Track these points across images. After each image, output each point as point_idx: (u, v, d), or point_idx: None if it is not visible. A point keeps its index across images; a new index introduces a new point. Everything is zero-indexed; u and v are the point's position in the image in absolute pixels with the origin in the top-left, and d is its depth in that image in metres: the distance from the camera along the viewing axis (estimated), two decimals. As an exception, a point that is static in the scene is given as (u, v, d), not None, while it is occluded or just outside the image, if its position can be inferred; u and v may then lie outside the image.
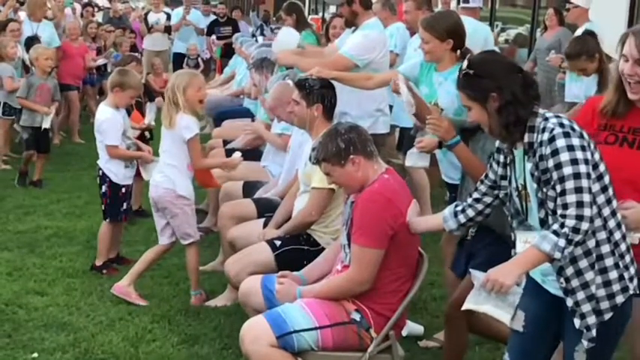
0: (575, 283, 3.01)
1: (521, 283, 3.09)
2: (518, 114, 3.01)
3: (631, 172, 3.15)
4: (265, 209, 5.24)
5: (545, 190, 2.97)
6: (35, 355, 4.51)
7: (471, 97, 3.10)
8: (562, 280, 3.04)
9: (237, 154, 5.47)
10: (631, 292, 3.02)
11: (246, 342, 3.51)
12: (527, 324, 3.19)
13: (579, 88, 6.66)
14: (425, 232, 3.64)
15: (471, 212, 3.38)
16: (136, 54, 13.16)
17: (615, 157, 3.17)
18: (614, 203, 3.00)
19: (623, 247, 3.01)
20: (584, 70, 5.82)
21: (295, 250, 4.50)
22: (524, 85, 3.04)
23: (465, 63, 3.13)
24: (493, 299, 3.02)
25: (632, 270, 3.03)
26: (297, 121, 4.80)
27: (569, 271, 3.00)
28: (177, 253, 6.31)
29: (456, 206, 3.43)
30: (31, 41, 9.87)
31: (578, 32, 8.47)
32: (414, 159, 4.47)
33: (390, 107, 6.15)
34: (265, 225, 4.93)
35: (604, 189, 2.97)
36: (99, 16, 17.21)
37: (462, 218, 3.39)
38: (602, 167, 2.97)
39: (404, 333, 3.93)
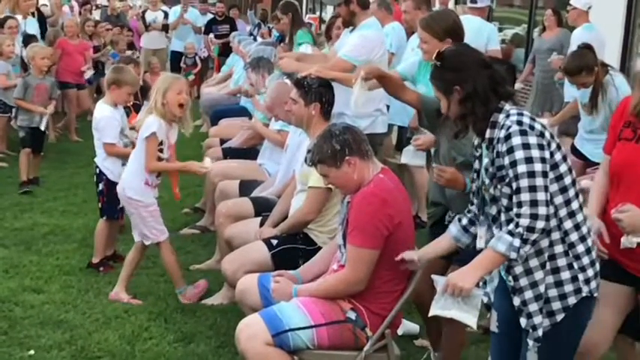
0: (523, 282, 3.03)
1: (491, 283, 3.16)
2: (474, 109, 3.04)
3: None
4: (262, 208, 5.25)
5: (499, 187, 3.00)
6: (31, 352, 4.52)
7: (439, 89, 3.16)
8: (510, 278, 3.06)
9: (208, 160, 5.36)
10: (584, 294, 3.02)
11: (242, 340, 3.52)
12: (500, 323, 3.23)
13: (575, 89, 6.69)
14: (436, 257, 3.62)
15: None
16: (135, 52, 13.18)
17: (629, 153, 3.20)
18: (575, 204, 3.01)
19: (580, 248, 3.01)
20: (584, 84, 5.84)
21: (292, 249, 4.51)
22: (491, 81, 3.06)
23: (436, 55, 3.18)
24: (457, 303, 3.04)
25: (591, 272, 3.03)
26: (295, 120, 4.80)
27: (519, 269, 3.02)
28: (175, 251, 6.32)
29: (460, 221, 3.38)
30: (30, 39, 9.86)
31: (577, 32, 8.53)
32: (410, 156, 4.48)
33: (387, 107, 6.15)
34: (262, 224, 4.94)
35: (563, 190, 2.98)
36: (96, 14, 17.18)
37: (474, 230, 3.34)
38: (563, 168, 2.98)
39: (399, 332, 3.94)
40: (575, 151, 6.32)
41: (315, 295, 3.66)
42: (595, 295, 3.06)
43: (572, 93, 7.42)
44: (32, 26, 10.66)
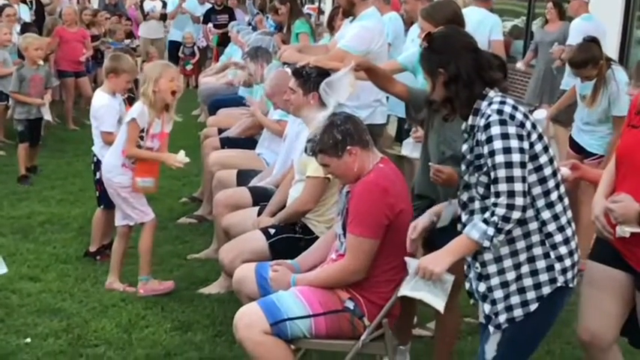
0: (492, 269, 3.04)
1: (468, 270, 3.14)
2: (458, 92, 3.04)
3: None
4: (260, 198, 5.24)
5: (477, 175, 3.00)
6: (28, 340, 4.51)
7: (425, 70, 3.18)
8: (477, 264, 3.07)
9: (182, 154, 5.15)
10: (559, 284, 3.02)
11: (240, 329, 3.52)
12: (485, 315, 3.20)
13: (573, 80, 6.70)
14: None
15: None
16: (132, 41, 13.13)
17: (633, 139, 3.20)
18: (554, 195, 3.00)
19: (558, 238, 3.02)
20: (588, 77, 5.83)
21: (289, 239, 4.50)
22: (476, 65, 3.05)
23: (424, 37, 3.20)
24: (427, 286, 3.08)
25: (568, 262, 3.03)
26: (294, 110, 4.80)
27: (488, 256, 3.03)
28: (171, 240, 6.34)
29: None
30: (27, 27, 9.82)
31: (576, 22, 8.55)
32: (410, 149, 4.47)
33: (387, 97, 6.13)
34: (260, 213, 4.93)
35: (542, 180, 2.98)
36: (94, 3, 17.13)
37: None
38: (543, 159, 2.97)
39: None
40: (572, 143, 6.31)
41: (314, 285, 3.66)
42: (571, 285, 3.06)
43: (570, 82, 7.44)
44: (24, 13, 10.60)
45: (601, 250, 3.37)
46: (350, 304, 3.60)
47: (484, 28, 7.17)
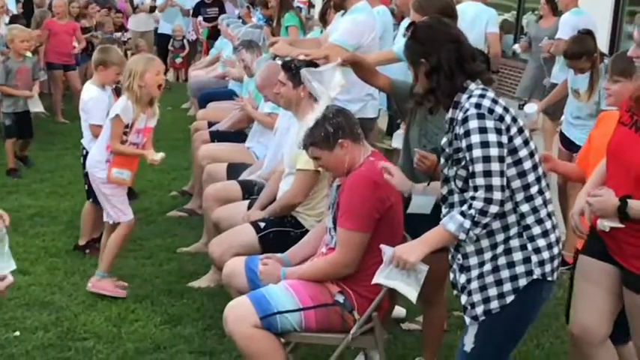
0: (473, 260, 3.04)
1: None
2: (440, 83, 3.03)
3: (628, 157, 3.14)
4: (250, 191, 5.24)
5: (455, 168, 2.99)
6: (17, 333, 4.50)
7: (408, 60, 3.17)
8: (459, 256, 3.07)
9: (160, 155, 5.10)
10: (535, 276, 3.01)
11: (230, 322, 3.51)
12: None
13: (565, 74, 6.71)
14: None
15: None
16: (123, 33, 13.07)
17: (621, 138, 3.20)
18: (534, 189, 2.99)
19: (536, 230, 3.01)
20: (582, 70, 5.84)
21: (279, 232, 4.50)
22: (458, 56, 3.04)
23: (407, 27, 3.19)
24: (402, 275, 3.09)
25: (546, 255, 3.02)
26: (284, 103, 4.79)
27: (469, 248, 3.03)
28: (161, 234, 6.33)
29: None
30: (16, 19, 9.77)
31: (565, 16, 8.60)
32: (400, 141, 4.46)
33: (379, 91, 6.12)
34: (250, 207, 4.93)
35: (521, 174, 2.97)
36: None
37: None
38: (523, 152, 2.96)
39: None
40: (563, 139, 6.32)
41: (304, 278, 3.66)
42: (549, 279, 3.04)
43: (560, 76, 7.48)
44: (11, 4, 10.54)
45: (594, 244, 3.37)
46: (340, 298, 3.60)
47: (480, 21, 7.21)
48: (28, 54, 8.20)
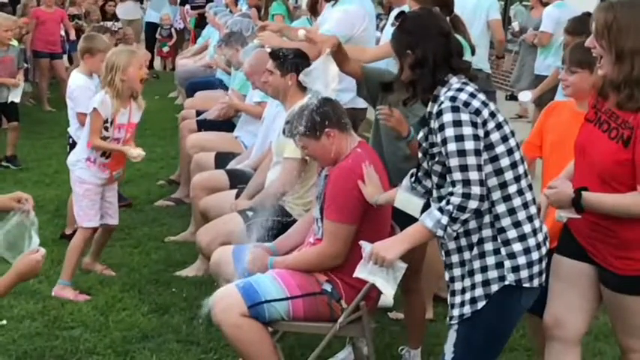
0: (454, 258, 2.99)
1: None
2: (422, 76, 2.97)
3: (592, 155, 3.10)
4: (238, 181, 5.23)
5: (431, 163, 2.95)
6: (4, 322, 4.49)
7: (394, 50, 3.10)
8: (443, 253, 3.03)
9: (138, 152, 5.01)
10: (507, 282, 2.90)
11: (217, 311, 3.51)
12: None
13: (553, 60, 6.75)
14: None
15: None
16: (114, 23, 13.00)
17: (586, 135, 3.17)
18: (512, 188, 2.90)
19: (512, 234, 2.90)
20: None
21: (267, 221, 4.48)
22: (445, 51, 2.98)
23: (396, 15, 3.13)
24: (382, 272, 3.04)
25: (522, 260, 2.91)
26: (272, 91, 4.78)
27: (451, 245, 2.98)
28: (148, 223, 6.32)
29: (411, 176, 3.27)
30: (2, 7, 9.70)
31: (548, 9, 8.68)
32: None
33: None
34: (238, 196, 4.92)
35: (498, 172, 2.88)
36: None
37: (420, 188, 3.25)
38: (500, 149, 2.87)
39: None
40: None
41: (292, 268, 3.65)
42: (525, 285, 2.93)
43: (542, 68, 7.52)
44: None
45: (568, 243, 3.29)
46: (328, 287, 3.60)
47: (482, 10, 7.23)
48: (14, 42, 8.12)
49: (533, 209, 2.98)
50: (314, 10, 7.72)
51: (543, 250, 3.01)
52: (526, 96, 6.74)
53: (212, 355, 4.23)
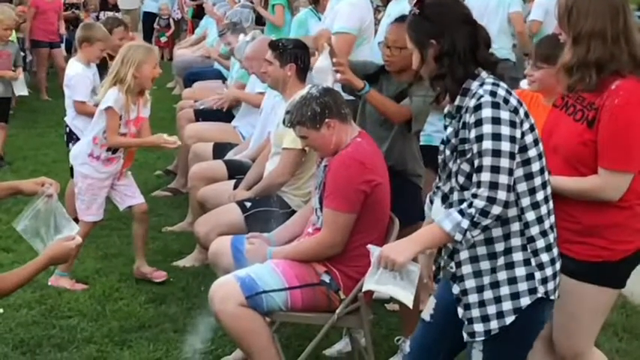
0: (466, 269, 2.74)
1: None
2: (452, 68, 2.71)
3: (558, 138, 3.04)
4: (236, 171, 5.23)
5: (459, 162, 2.70)
6: (1, 310, 4.48)
7: (413, 40, 2.81)
8: (452, 264, 2.78)
9: (175, 139, 4.95)
10: (539, 294, 2.70)
11: (216, 301, 3.51)
12: (435, 313, 2.96)
13: None
14: None
15: None
16: (115, 13, 12.95)
17: (552, 120, 3.13)
18: (540, 195, 2.71)
19: (540, 243, 2.71)
20: None
21: (265, 212, 4.48)
22: (472, 42, 2.72)
23: (415, 2, 2.85)
24: (393, 278, 2.72)
25: (549, 271, 2.73)
26: (271, 82, 4.77)
27: (464, 255, 2.73)
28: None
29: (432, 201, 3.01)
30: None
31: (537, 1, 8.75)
32: None
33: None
34: (236, 187, 4.91)
35: (528, 176, 2.67)
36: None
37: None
38: (532, 152, 2.67)
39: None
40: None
41: (290, 258, 3.65)
42: (552, 297, 2.76)
43: None
44: None
45: None
46: (326, 278, 3.60)
47: (504, 3, 7.24)
48: (12, 38, 8.05)
49: (552, 218, 2.79)
50: (316, 1, 7.69)
51: (559, 261, 2.83)
52: (524, 84, 6.76)
53: (209, 346, 4.22)
